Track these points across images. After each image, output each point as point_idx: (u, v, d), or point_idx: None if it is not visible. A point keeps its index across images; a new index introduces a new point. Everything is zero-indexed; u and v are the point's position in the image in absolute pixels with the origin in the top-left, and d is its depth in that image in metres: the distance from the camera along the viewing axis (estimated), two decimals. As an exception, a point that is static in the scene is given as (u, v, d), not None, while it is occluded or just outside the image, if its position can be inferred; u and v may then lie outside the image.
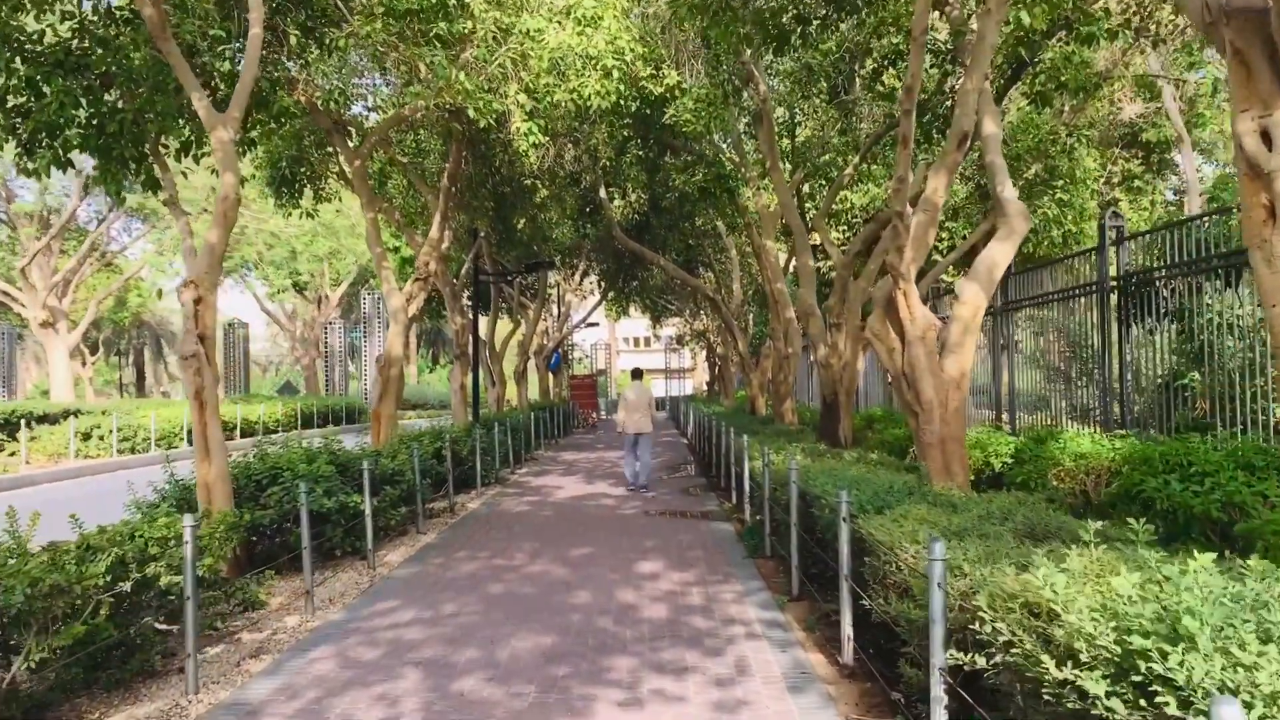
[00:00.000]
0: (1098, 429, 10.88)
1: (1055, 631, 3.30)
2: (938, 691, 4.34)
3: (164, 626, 7.19)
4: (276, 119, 15.97)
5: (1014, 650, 3.62)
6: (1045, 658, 3.18)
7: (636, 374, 18.33)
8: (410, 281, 15.83)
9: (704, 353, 53.00)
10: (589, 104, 12.32)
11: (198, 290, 9.33)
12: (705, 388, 57.94)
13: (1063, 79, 12.29)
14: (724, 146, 21.16)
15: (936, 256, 25.77)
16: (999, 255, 9.43)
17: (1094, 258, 11.30)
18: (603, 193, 24.82)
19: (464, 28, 11.92)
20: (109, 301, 53.91)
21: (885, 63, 13.99)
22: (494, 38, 12.47)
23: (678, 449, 27.82)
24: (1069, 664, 3.12)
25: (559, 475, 20.53)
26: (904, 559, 5.44)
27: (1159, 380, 10.05)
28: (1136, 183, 28.96)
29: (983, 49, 9.27)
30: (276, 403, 39.21)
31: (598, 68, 12.32)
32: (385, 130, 15.85)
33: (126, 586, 6.39)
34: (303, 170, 21.18)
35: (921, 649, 5.04)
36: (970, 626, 4.30)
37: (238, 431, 33.64)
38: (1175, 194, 29.62)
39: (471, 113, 11.70)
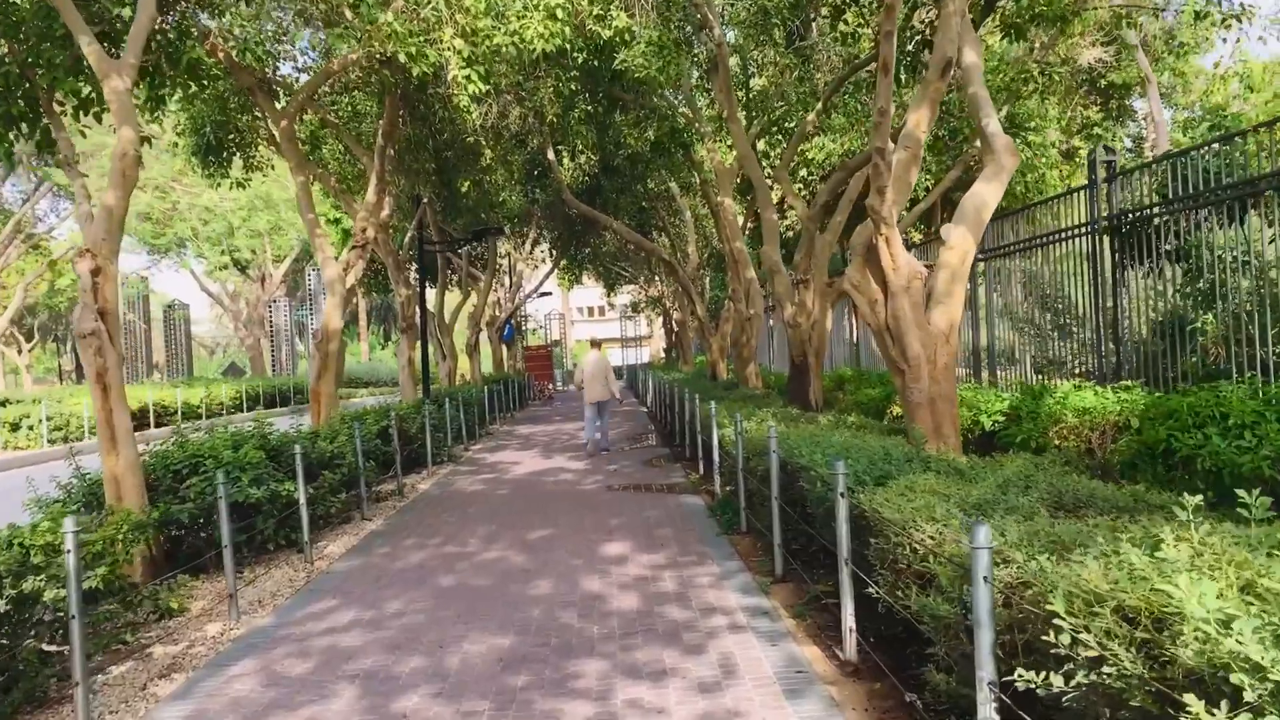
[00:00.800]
0: (1092, 382, 10.10)
1: (1183, 653, 2.43)
2: (988, 712, 3.48)
3: (55, 648, 6.20)
4: (193, 76, 14.77)
5: (1107, 670, 2.76)
6: (1191, 700, 2.29)
7: (595, 344, 18.94)
8: (347, 249, 14.74)
9: (660, 319, 52.11)
10: (532, 48, 11.29)
11: (94, 260, 8.27)
12: (663, 355, 57.08)
13: (1038, 8, 11.44)
14: (677, 101, 20.18)
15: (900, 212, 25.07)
16: (987, 195, 8.60)
17: (1082, 197, 10.48)
18: (550, 154, 23.73)
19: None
20: (41, 285, 51.98)
21: (846, 2, 13.06)
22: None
23: (638, 419, 26.96)
24: (1224, 707, 2.24)
25: (515, 450, 19.59)
26: (921, 540, 4.58)
27: (1162, 326, 9.27)
28: (1096, 130, 28.35)
29: (965, -34, 8.38)
30: (220, 385, 37.84)
31: (540, 8, 11.28)
32: (314, 88, 14.70)
33: (1, 605, 5.41)
34: (230, 137, 19.96)
35: (953, 651, 4.19)
36: (1026, 630, 3.45)
37: (179, 416, 32.31)
38: (1133, 141, 29.02)
39: (403, 58, 10.63)
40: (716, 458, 11.87)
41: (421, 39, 11.26)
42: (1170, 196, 9.06)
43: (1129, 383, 8.76)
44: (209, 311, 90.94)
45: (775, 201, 17.06)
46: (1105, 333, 10.10)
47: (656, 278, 44.30)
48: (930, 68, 8.46)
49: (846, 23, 13.13)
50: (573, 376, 58.43)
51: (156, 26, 11.04)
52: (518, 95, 18.72)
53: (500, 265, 38.49)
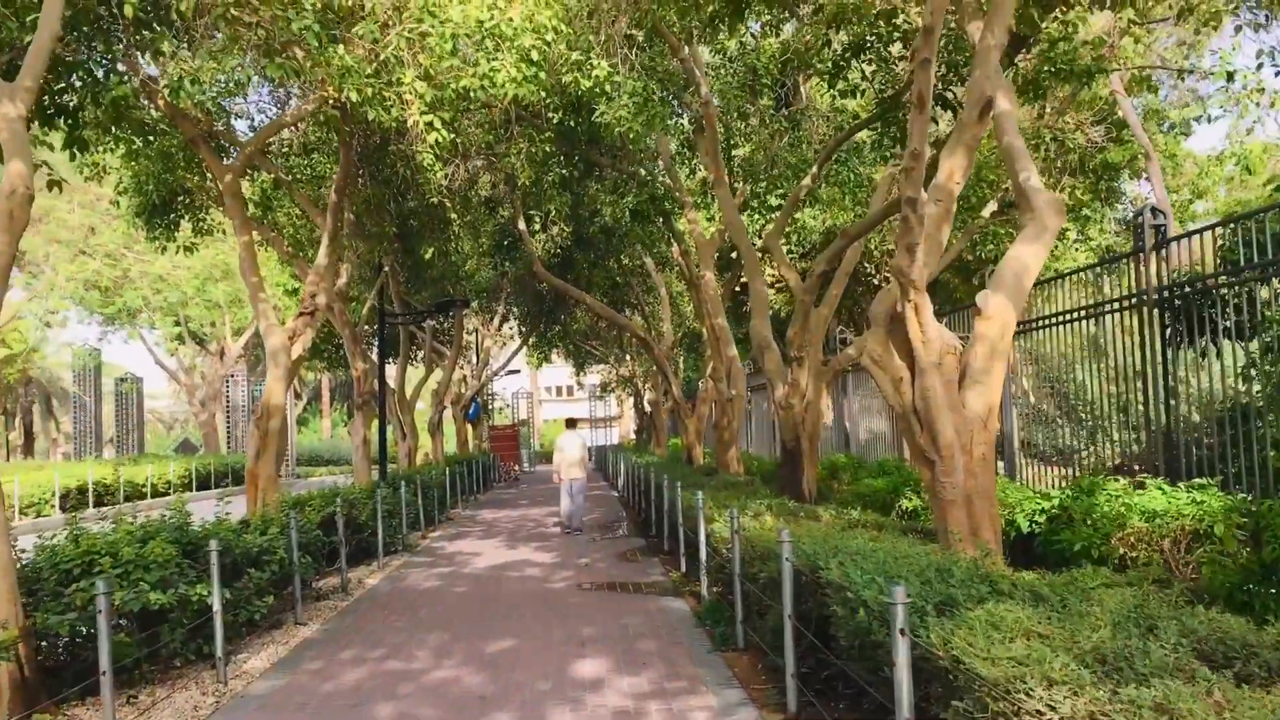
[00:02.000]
0: (1158, 479, 8.79)
1: None
2: None
3: None
4: (131, 125, 13.53)
5: None
6: None
7: (570, 423, 19.87)
8: (294, 317, 13.35)
9: (631, 400, 50.78)
10: (503, 93, 10.07)
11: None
12: (633, 436, 55.61)
13: (1060, 64, 10.39)
14: (657, 170, 19.12)
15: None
16: (1028, 258, 7.38)
17: (1125, 266, 9.30)
18: (522, 224, 22.57)
19: (345, 1, 9.63)
20: (-8, 358, 50.01)
21: (848, 55, 12.00)
22: (385, 18, 10.20)
23: (609, 504, 25.44)
24: None
25: (477, 539, 18.03)
26: (1042, 714, 3.21)
27: (1229, 413, 8.02)
28: (1085, 211, 27.61)
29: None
30: (168, 463, 35.96)
31: (513, 48, 10.10)
32: (263, 140, 13.48)
33: None
34: (180, 199, 18.65)
35: None
36: None
37: (120, 495, 30.44)
38: (1122, 224, 28.25)
39: (354, 96, 9.37)
40: (704, 555, 10.44)
41: (380, 81, 10.05)
42: (1240, 263, 7.87)
43: (1203, 481, 7.47)
44: (168, 385, 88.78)
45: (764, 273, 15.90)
46: (1157, 421, 8.83)
47: (628, 356, 43.04)
48: (965, 110, 7.29)
49: (847, 79, 12.03)
50: (551, 459, 57.08)
51: (82, 59, 9.76)
52: (488, 158, 17.57)
53: (467, 341, 37.14)
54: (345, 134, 12.55)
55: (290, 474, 47.46)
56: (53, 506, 27.29)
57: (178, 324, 43.57)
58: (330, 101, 10.78)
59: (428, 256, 18.20)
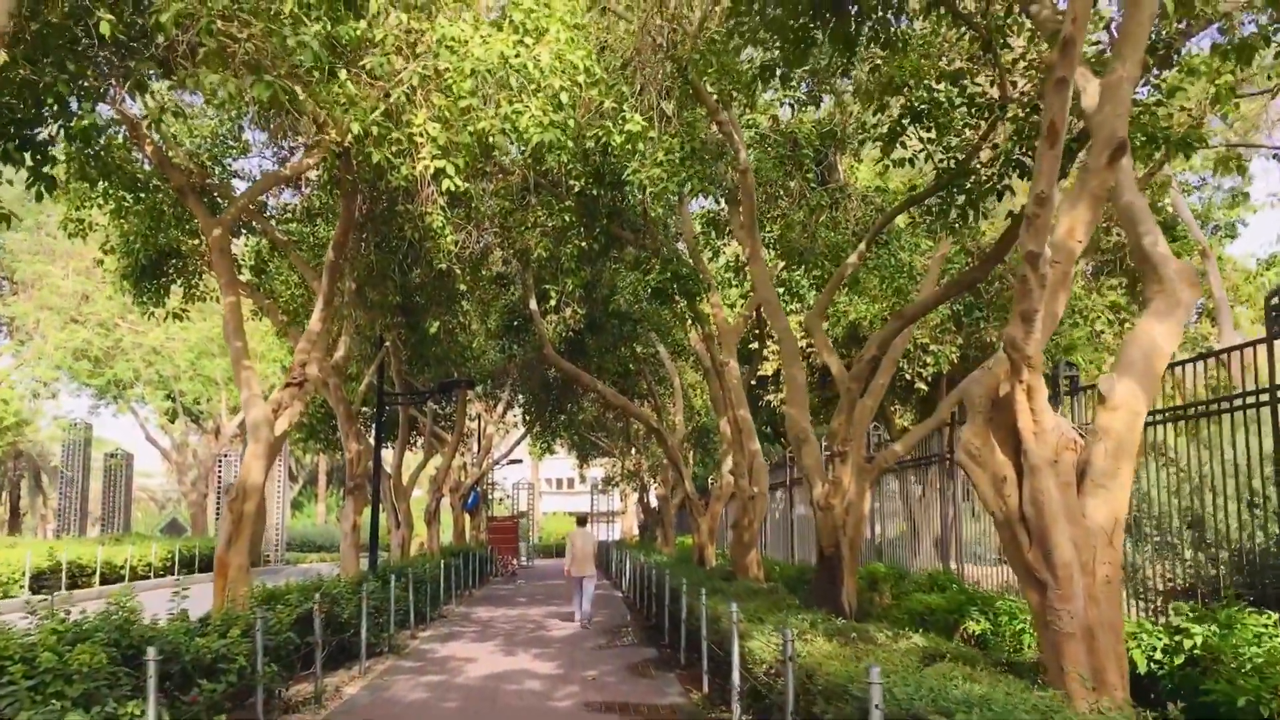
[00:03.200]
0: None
1: None
2: None
3: None
4: (110, 174, 12.41)
5: None
6: None
7: (582, 520, 20.77)
8: (280, 388, 12.02)
9: (636, 495, 49.10)
10: (526, 138, 8.89)
11: None
12: (636, 533, 53.77)
13: (1158, 130, 9.21)
14: (679, 248, 18.02)
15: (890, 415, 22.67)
16: (1159, 337, 6.07)
17: (1251, 356, 7.93)
18: (533, 304, 21.39)
19: (353, 31, 8.48)
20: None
21: (904, 121, 10.83)
22: (397, 49, 9.07)
23: (613, 605, 23.75)
24: None
25: (471, 640, 16.41)
26: None
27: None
28: (1123, 314, 26.46)
29: (1139, 19, 6.06)
30: (150, 544, 34.29)
31: (540, 91, 8.95)
32: (258, 193, 12.37)
33: None
34: (172, 262, 17.51)
35: None
36: None
37: (97, 578, 28.77)
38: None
39: (355, 128, 8.18)
40: (736, 679, 8.93)
41: (388, 123, 8.87)
42: None
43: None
44: (162, 463, 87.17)
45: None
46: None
47: (634, 450, 41.56)
48: (1092, 154, 6.03)
49: (905, 145, 10.85)
50: (550, 554, 55.18)
51: (49, 83, 8.58)
52: (502, 228, 16.42)
53: (469, 427, 35.77)
54: (347, 183, 11.37)
55: (280, 560, 45.72)
56: (22, 587, 25.62)
57: (170, 399, 42.16)
58: (332, 145, 9.59)
59: (432, 332, 16.94)
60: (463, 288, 15.78)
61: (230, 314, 11.78)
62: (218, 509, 47.61)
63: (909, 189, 12.57)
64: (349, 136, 8.88)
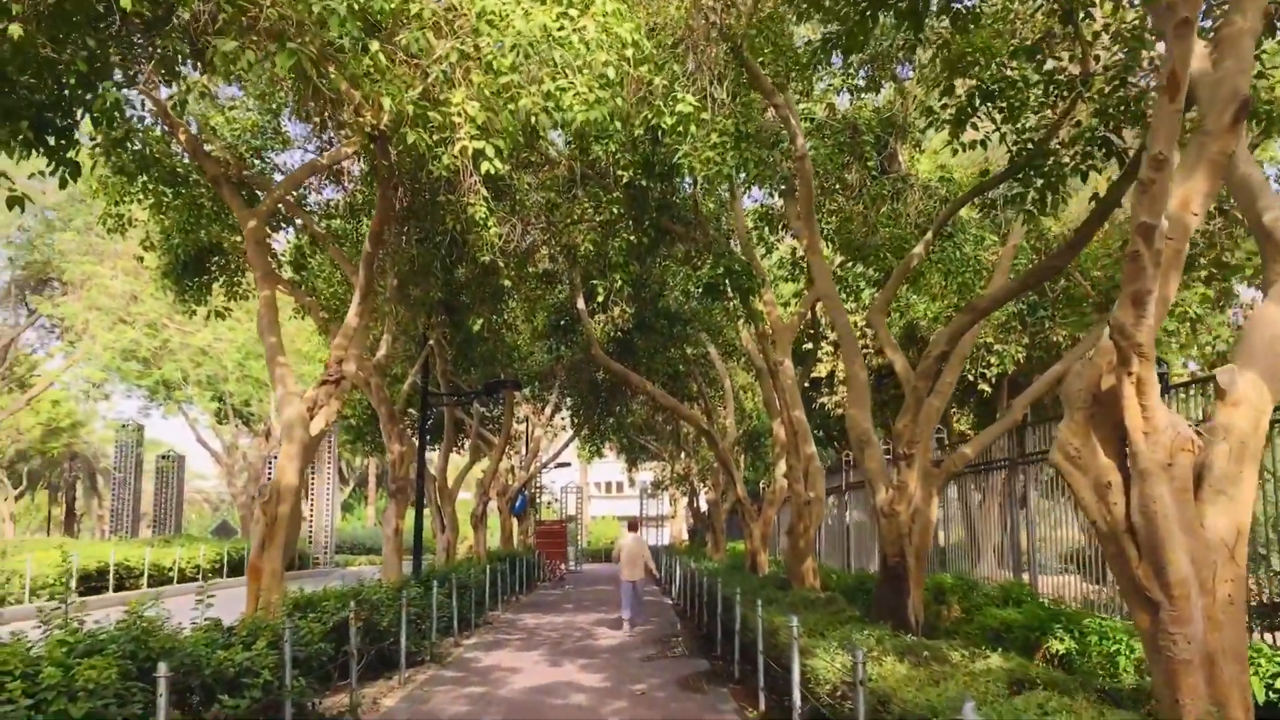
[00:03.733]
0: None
1: None
2: None
3: None
4: (149, 168, 12.03)
5: None
6: None
7: (633, 526, 20.83)
8: (316, 385, 11.53)
9: (685, 499, 48.38)
10: (570, 116, 8.30)
11: None
12: (685, 537, 53.04)
13: (1259, 106, 8.41)
14: (732, 242, 17.34)
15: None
16: (1287, 320, 5.33)
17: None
18: (581, 303, 20.83)
19: (386, 3, 7.92)
20: (35, 430, 49.02)
21: (975, 101, 10.07)
22: (435, 24, 8.51)
23: (662, 612, 23.08)
24: None
25: (517, 649, 15.85)
26: None
27: None
28: (1195, 311, 25.34)
29: (1262, -39, 5.33)
30: (198, 546, 34.21)
31: (585, 68, 8.36)
32: (295, 184, 11.92)
33: None
34: (214, 259, 17.16)
35: None
36: None
37: (145, 579, 28.64)
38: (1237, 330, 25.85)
39: (388, 103, 7.63)
40: (797, 699, 8.26)
41: (424, 103, 8.32)
42: None
43: None
44: (216, 466, 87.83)
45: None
46: None
47: (683, 453, 40.86)
48: (1211, 116, 5.30)
49: (975, 126, 10.11)
50: (599, 559, 54.58)
51: (71, 60, 8.11)
52: (548, 223, 15.85)
53: (517, 430, 35.30)
54: (384, 169, 10.84)
55: (329, 562, 45.57)
56: (70, 589, 25.50)
57: (218, 400, 42.10)
58: (367, 127, 9.06)
59: (476, 329, 16.40)
60: (507, 284, 15.22)
61: (265, 308, 11.32)
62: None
63: (980, 174, 11.82)
64: (384, 117, 8.34)
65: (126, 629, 7.15)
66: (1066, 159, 9.43)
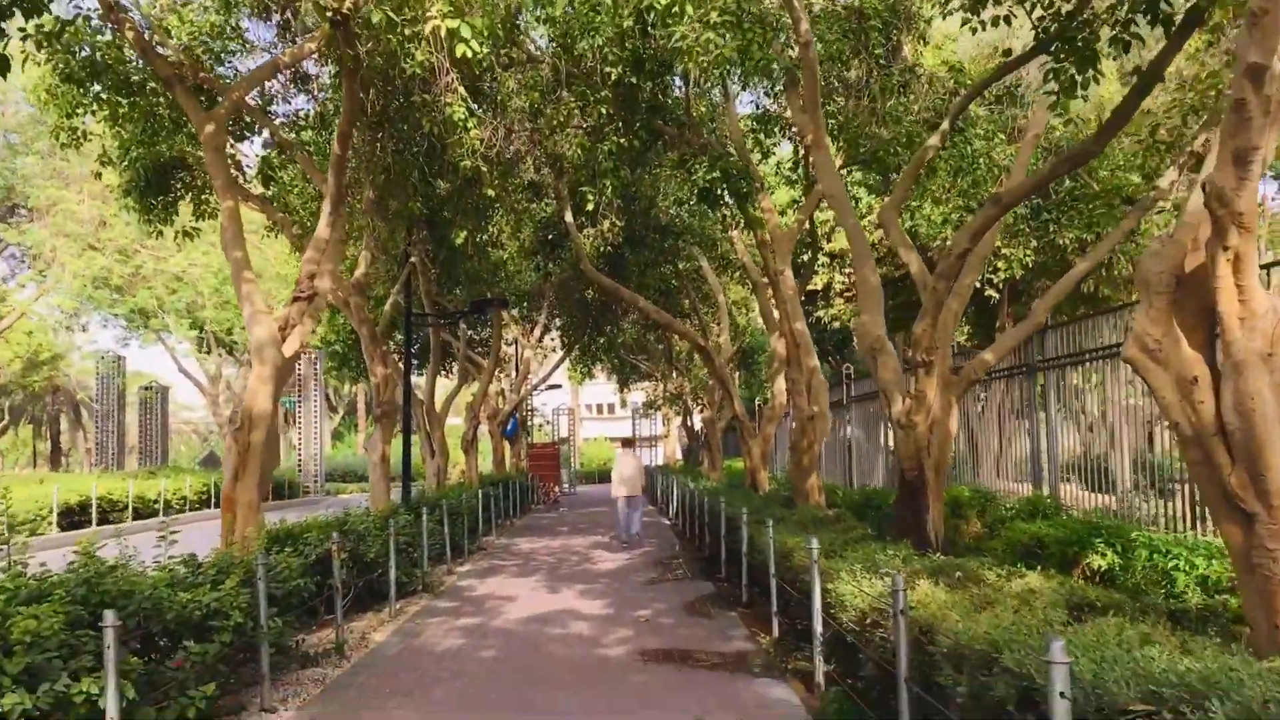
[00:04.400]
0: None
1: None
2: None
3: None
4: (99, 75, 11.05)
5: None
6: None
7: (628, 443, 21.80)
8: (288, 303, 10.69)
9: (679, 419, 47.83)
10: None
11: None
12: (679, 457, 52.63)
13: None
14: (727, 144, 16.38)
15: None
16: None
17: None
18: (569, 216, 19.91)
19: None
20: (15, 363, 48.13)
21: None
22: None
23: (660, 533, 22.55)
24: None
25: (513, 576, 15.27)
26: None
27: None
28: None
29: None
30: (184, 477, 33.57)
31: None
32: (256, 82, 10.92)
33: None
34: (180, 175, 16.19)
35: None
36: None
37: (128, 512, 28.02)
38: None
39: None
40: (818, 626, 7.61)
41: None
42: None
43: None
44: (203, 397, 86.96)
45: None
46: None
47: (675, 372, 40.16)
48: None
49: (1000, 1, 9.19)
50: (593, 480, 54.27)
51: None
52: (532, 129, 14.87)
53: (506, 352, 34.54)
54: (349, 59, 9.84)
55: (320, 491, 45.08)
56: (50, 524, 24.87)
57: (198, 329, 41.05)
58: (329, 10, 8.10)
59: (459, 243, 15.51)
60: (491, 194, 14.28)
61: (228, 221, 10.44)
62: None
63: (1003, 55, 10.89)
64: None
65: (77, 572, 6.43)
66: (1103, 28, 8.52)
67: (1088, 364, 11.29)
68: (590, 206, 15.16)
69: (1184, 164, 10.77)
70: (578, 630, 10.57)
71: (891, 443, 18.57)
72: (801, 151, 15.26)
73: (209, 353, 44.24)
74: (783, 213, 20.72)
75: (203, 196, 16.49)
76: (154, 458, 45.61)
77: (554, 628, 10.75)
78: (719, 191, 14.25)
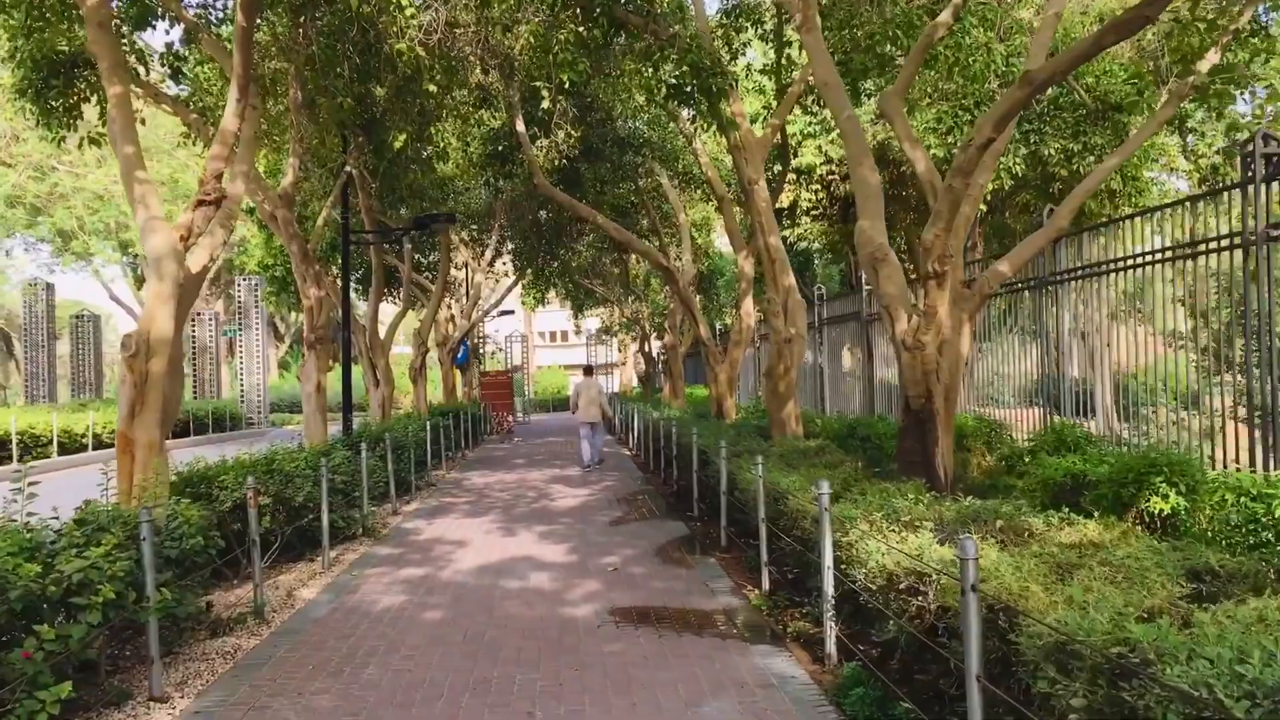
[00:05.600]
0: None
1: None
2: None
3: None
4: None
5: None
6: None
7: (588, 370, 22.48)
8: (190, 207, 9.06)
9: (635, 345, 46.36)
10: None
11: None
12: (636, 384, 51.31)
13: None
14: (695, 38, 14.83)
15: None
16: None
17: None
18: (520, 125, 18.25)
19: None
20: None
21: None
22: None
23: (621, 465, 21.27)
24: None
25: (464, 516, 13.91)
26: None
27: None
28: (1190, 123, 23.26)
29: None
30: (114, 410, 31.68)
31: None
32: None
33: None
34: (83, 74, 14.38)
35: None
36: None
37: (53, 447, 26.27)
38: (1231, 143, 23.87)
39: None
40: (829, 586, 6.31)
41: None
42: None
43: None
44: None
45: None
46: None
47: (632, 297, 38.65)
48: None
49: None
50: (547, 410, 52.87)
51: None
52: (479, 21, 13.20)
53: (456, 277, 32.84)
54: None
55: (265, 422, 43.35)
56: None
57: (123, 250, 38.73)
58: None
59: (398, 147, 13.84)
60: (433, 91, 12.59)
61: (116, 110, 8.75)
62: (193, 372, 44.97)
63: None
64: None
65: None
66: None
67: (1124, 272, 9.94)
68: (545, 104, 13.53)
69: (1225, 43, 9.43)
70: (538, 583, 9.26)
71: (876, 368, 17.35)
72: (773, 51, 13.77)
73: (139, 276, 41.89)
74: (752, 120, 19.21)
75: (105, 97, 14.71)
76: (86, 389, 43.55)
77: (511, 580, 9.44)
78: (689, 88, 12.75)
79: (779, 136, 16.64)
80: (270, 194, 13.95)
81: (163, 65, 13.15)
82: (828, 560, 6.28)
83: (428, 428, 18.83)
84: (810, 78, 13.50)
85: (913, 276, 13.47)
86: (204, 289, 44.21)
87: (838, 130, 10.61)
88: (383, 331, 21.33)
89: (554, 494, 16.14)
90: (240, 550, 9.24)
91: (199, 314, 44.29)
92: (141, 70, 13.56)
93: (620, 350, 55.73)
